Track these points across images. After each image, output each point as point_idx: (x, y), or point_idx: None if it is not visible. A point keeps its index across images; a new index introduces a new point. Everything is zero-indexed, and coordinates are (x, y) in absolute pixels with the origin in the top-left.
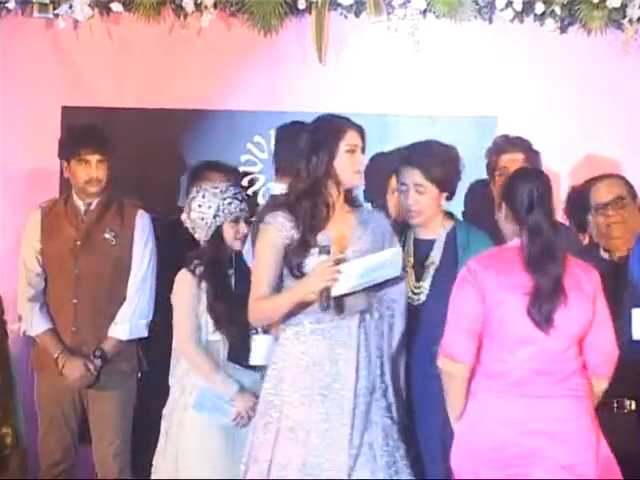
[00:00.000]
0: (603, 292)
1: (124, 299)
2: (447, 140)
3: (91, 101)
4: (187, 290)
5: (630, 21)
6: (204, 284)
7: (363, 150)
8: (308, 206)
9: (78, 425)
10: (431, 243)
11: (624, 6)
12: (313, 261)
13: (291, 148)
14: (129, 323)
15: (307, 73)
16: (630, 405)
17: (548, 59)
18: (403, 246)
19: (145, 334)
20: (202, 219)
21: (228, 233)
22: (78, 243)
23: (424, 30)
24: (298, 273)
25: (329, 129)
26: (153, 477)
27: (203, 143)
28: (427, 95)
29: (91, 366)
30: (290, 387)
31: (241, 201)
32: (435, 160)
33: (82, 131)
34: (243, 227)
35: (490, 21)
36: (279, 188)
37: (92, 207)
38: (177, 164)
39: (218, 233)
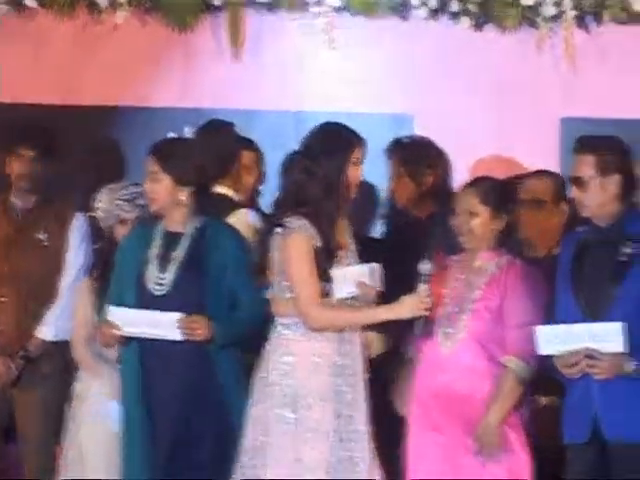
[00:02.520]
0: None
1: (54, 300)
2: (364, 136)
3: (7, 97)
4: (84, 294)
5: (544, 19)
6: (95, 285)
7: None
8: (328, 210)
9: (4, 424)
10: (179, 236)
11: (538, 4)
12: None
13: (217, 147)
14: (55, 324)
15: (223, 70)
16: (542, 401)
17: (463, 57)
18: (153, 238)
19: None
20: (98, 218)
21: (119, 235)
22: (11, 241)
23: (339, 27)
24: (325, 279)
25: (343, 137)
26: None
27: (119, 140)
28: (343, 92)
29: (12, 365)
30: (303, 387)
31: (132, 203)
32: (170, 149)
33: (21, 127)
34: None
35: (405, 19)
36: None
37: (29, 206)
38: (97, 160)
39: (111, 234)
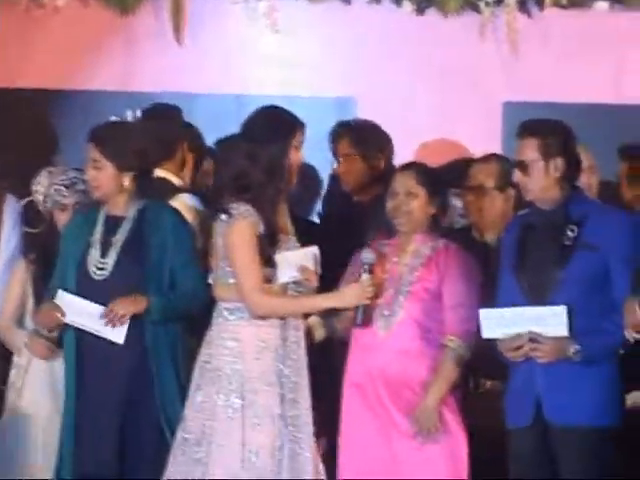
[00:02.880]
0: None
1: None
2: (306, 120)
3: None
4: (18, 276)
5: (486, 4)
6: (32, 268)
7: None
8: (271, 196)
9: None
10: (120, 220)
11: None
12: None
13: (162, 131)
14: None
15: (165, 53)
16: (485, 384)
17: (406, 41)
18: (95, 223)
19: None
20: (37, 202)
21: (59, 220)
22: None
23: (282, 11)
24: (269, 264)
25: (285, 122)
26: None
27: (61, 123)
28: (285, 76)
29: None
30: (249, 372)
31: (71, 189)
32: (111, 136)
33: None
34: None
35: (348, 3)
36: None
37: None
38: (38, 144)
39: (51, 218)
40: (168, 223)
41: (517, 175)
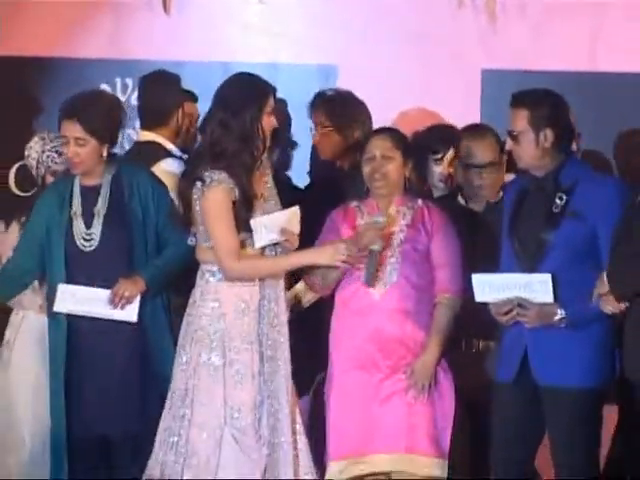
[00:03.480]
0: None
1: None
2: (290, 87)
3: None
4: (11, 239)
5: None
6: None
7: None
8: (245, 162)
9: None
10: (97, 189)
11: None
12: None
13: (161, 97)
14: None
15: (153, 22)
16: (478, 345)
17: (387, 11)
18: (71, 195)
19: None
20: (29, 166)
21: (49, 184)
22: None
23: None
24: (246, 229)
25: (256, 88)
26: None
27: (51, 90)
28: (270, 44)
29: None
30: (230, 332)
31: (63, 155)
32: (94, 111)
33: None
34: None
35: None
36: (149, 136)
37: None
38: (27, 111)
39: (42, 183)
40: (146, 185)
41: (509, 144)
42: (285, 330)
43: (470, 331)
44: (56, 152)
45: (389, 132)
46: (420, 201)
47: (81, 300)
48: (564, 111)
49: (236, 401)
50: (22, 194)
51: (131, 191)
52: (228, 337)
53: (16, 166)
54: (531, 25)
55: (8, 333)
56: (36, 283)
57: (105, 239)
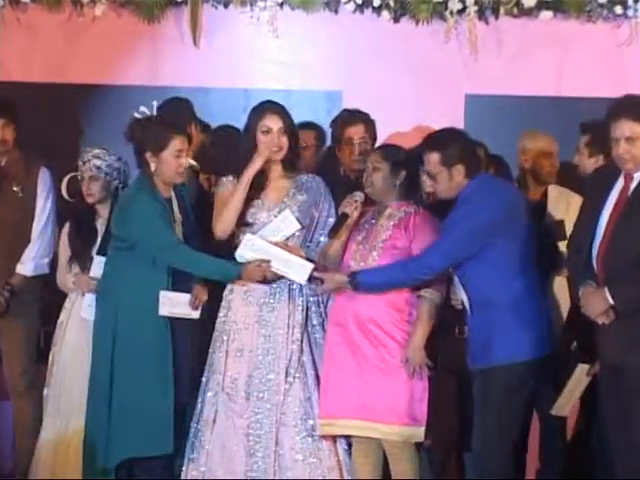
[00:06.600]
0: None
1: (29, 242)
2: (301, 110)
3: (6, 76)
4: (63, 237)
5: (451, 13)
6: (67, 231)
7: (286, 130)
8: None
9: None
10: (170, 200)
11: (446, 1)
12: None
13: (172, 112)
14: (33, 262)
15: (184, 55)
16: (467, 330)
17: (384, 44)
18: (170, 205)
19: (47, 271)
20: (95, 177)
21: (83, 190)
22: None
23: (281, 19)
24: (244, 223)
25: (252, 111)
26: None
27: (98, 112)
28: (284, 73)
29: (1, 298)
30: (235, 315)
31: (98, 163)
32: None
33: None
34: (89, 187)
35: (336, 12)
36: None
37: (2, 164)
38: (77, 130)
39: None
40: (185, 193)
41: (428, 183)
42: (285, 315)
43: (463, 318)
44: (92, 160)
45: (381, 147)
46: (414, 207)
47: (175, 304)
48: (471, 145)
49: (234, 371)
50: (70, 200)
51: (184, 203)
52: (232, 320)
53: (67, 177)
54: (507, 57)
55: (62, 315)
56: (77, 269)
57: (186, 240)
